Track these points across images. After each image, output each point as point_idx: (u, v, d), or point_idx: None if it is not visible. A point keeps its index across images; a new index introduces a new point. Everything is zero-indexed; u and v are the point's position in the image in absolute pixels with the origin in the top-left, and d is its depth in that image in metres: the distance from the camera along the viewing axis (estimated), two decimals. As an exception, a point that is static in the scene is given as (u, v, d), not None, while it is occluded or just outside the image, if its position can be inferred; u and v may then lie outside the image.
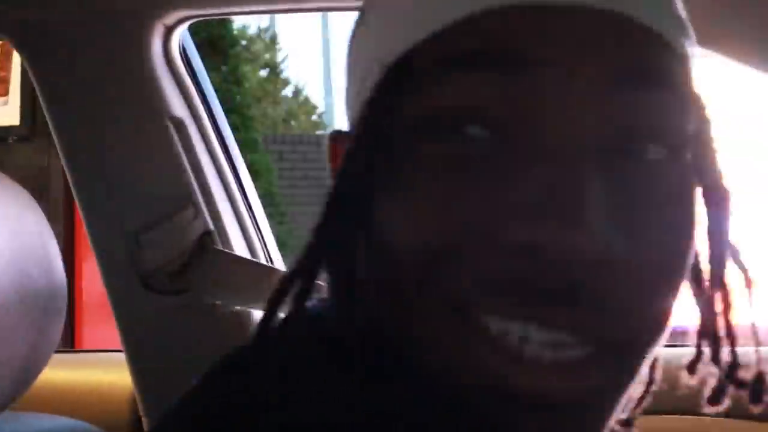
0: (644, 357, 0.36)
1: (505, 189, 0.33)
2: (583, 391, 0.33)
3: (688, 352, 0.42)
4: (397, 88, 0.36)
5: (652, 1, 0.35)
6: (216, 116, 0.96)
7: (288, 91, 9.96)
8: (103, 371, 1.14)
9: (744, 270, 0.39)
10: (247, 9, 0.91)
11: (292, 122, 9.67)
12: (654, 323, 0.35)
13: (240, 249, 0.95)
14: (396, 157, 0.36)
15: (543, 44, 0.33)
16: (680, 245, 0.35)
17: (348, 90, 0.42)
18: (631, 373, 0.35)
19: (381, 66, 0.37)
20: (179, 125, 0.90)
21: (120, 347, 0.94)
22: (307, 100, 10.11)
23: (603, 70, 0.33)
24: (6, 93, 2.03)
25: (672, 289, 0.35)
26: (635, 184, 0.34)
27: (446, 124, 0.34)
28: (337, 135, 0.44)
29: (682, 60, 0.36)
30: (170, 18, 0.86)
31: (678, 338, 0.40)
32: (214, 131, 0.95)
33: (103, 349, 1.66)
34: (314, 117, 10.08)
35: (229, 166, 0.97)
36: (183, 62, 0.92)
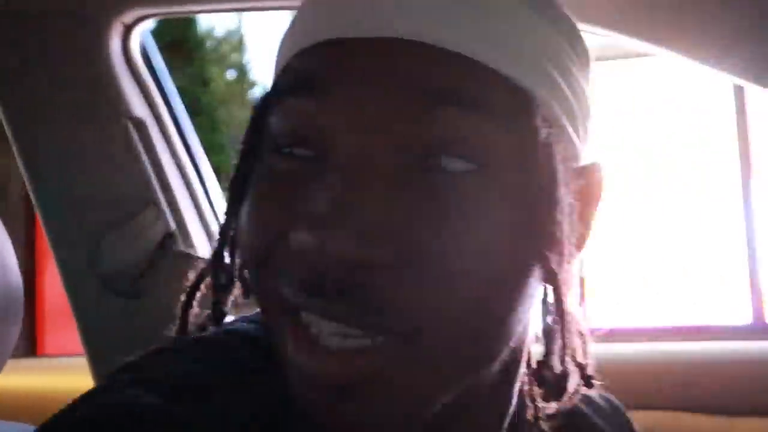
0: (450, 349, 0.39)
1: (305, 201, 0.38)
2: (367, 373, 0.37)
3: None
4: (267, 105, 0.42)
5: (450, 22, 0.39)
6: (178, 116, 0.95)
7: (256, 93, 9.89)
8: (66, 375, 1.12)
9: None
10: (205, 7, 0.90)
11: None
12: (449, 321, 0.38)
13: (203, 250, 0.93)
14: (255, 167, 0.42)
15: (340, 73, 0.39)
16: (473, 251, 0.38)
17: None
18: (431, 362, 0.39)
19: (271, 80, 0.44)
20: (140, 125, 0.88)
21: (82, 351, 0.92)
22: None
23: (394, 93, 0.38)
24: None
25: (466, 293, 0.38)
26: (432, 195, 0.38)
27: (283, 143, 0.40)
28: None
29: (491, 76, 0.39)
30: (129, 16, 0.85)
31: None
32: (176, 131, 0.94)
33: (65, 354, 1.63)
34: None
35: (192, 167, 0.96)
36: (143, 61, 0.90)
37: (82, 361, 1.09)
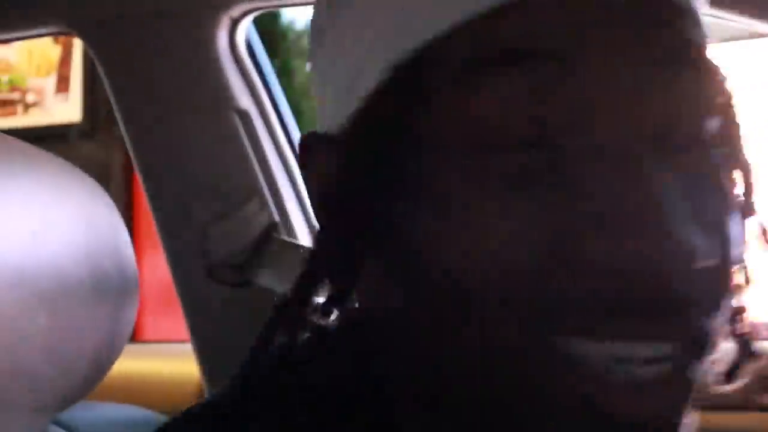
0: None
1: (572, 200, 0.30)
2: (672, 406, 0.31)
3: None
4: (407, 93, 0.32)
5: None
6: (281, 108, 0.96)
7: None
8: (170, 362, 1.15)
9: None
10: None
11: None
12: (725, 321, 0.34)
13: (306, 241, 0.94)
14: (427, 172, 0.32)
15: (580, 36, 0.31)
16: (740, 233, 0.33)
17: (322, 90, 0.38)
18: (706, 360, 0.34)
19: (381, 66, 0.33)
20: (245, 117, 0.90)
21: (186, 338, 0.94)
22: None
23: (644, 54, 0.31)
24: (67, 89, 2.07)
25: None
26: (693, 172, 0.32)
27: (501, 137, 0.31)
28: (312, 138, 0.39)
29: (702, 31, 0.35)
30: (236, 10, 0.87)
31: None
32: (279, 123, 0.95)
33: (164, 340, 1.69)
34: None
35: (294, 158, 0.97)
36: (248, 54, 0.92)
37: (181, 348, 1.12)
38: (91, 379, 0.67)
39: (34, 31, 0.95)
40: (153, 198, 0.90)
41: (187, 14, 0.87)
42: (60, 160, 0.66)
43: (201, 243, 0.88)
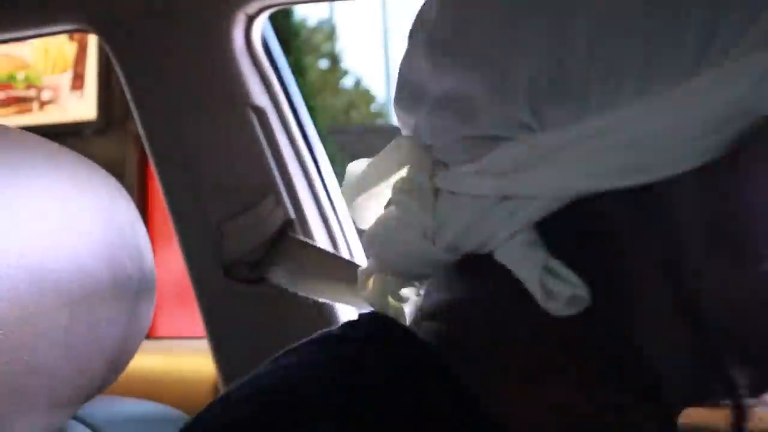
0: None
1: None
2: None
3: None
4: None
5: None
6: (296, 105, 0.96)
7: (348, 82, 10.00)
8: (185, 358, 1.16)
9: None
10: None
11: (353, 112, 9.71)
12: None
13: (321, 239, 0.94)
14: None
15: None
16: None
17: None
18: None
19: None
20: (260, 114, 0.90)
21: (199, 334, 0.95)
22: (366, 90, 10.13)
23: None
24: (82, 87, 2.07)
25: None
26: None
27: None
28: None
29: None
30: (252, 7, 0.87)
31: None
32: (294, 120, 0.95)
33: (177, 336, 1.69)
34: (373, 107, 10.10)
35: (310, 155, 0.97)
36: (264, 51, 0.92)
37: (194, 344, 1.12)
38: (109, 374, 0.67)
39: (52, 29, 0.95)
40: (169, 195, 0.90)
41: (203, 12, 0.87)
42: (79, 157, 0.66)
43: (216, 240, 0.88)
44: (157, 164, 0.90)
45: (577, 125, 0.35)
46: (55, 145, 0.65)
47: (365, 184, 0.43)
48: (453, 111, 0.38)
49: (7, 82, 2.13)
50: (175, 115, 0.90)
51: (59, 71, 2.08)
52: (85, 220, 0.62)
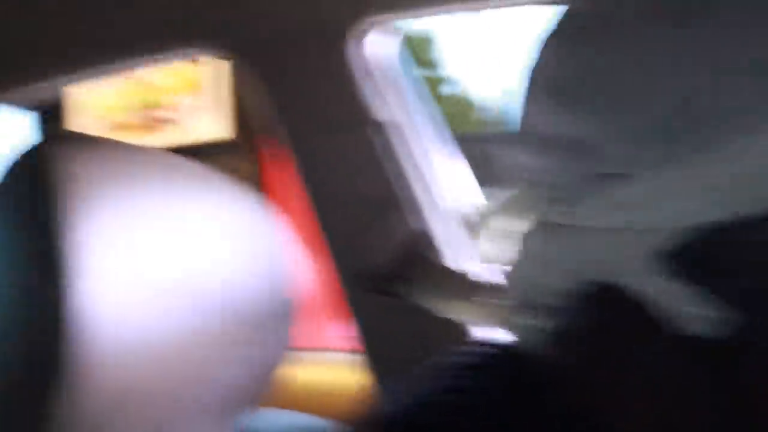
0: None
1: None
2: None
3: None
4: None
5: None
6: (427, 118, 0.95)
7: (447, 89, 9.96)
8: (336, 369, 1.17)
9: None
10: (439, 9, 0.89)
11: (453, 120, 9.64)
12: None
13: (451, 254, 0.92)
14: None
15: None
16: None
17: None
18: None
19: None
20: (396, 128, 0.89)
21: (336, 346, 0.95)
22: (467, 98, 10.04)
23: None
24: (212, 107, 2.15)
25: None
26: None
27: None
28: None
29: None
30: (384, 22, 0.86)
31: None
32: (426, 134, 0.94)
33: (313, 348, 1.72)
34: (475, 114, 9.98)
35: (435, 169, 0.96)
36: (393, 66, 0.92)
37: (339, 356, 1.12)
38: (265, 386, 0.69)
39: (188, 55, 0.99)
40: (318, 210, 0.92)
41: (338, 29, 0.87)
42: (226, 177, 0.68)
43: (359, 253, 0.88)
44: (304, 179, 0.91)
45: (704, 156, 0.35)
46: (204, 167, 0.67)
47: (491, 221, 0.45)
48: (578, 151, 0.39)
49: (142, 106, 2.24)
50: (314, 132, 0.91)
51: (191, 93, 2.16)
52: (237, 238, 0.64)
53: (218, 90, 2.15)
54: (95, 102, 2.52)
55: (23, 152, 0.55)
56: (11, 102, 1.37)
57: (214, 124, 2.16)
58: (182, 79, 2.17)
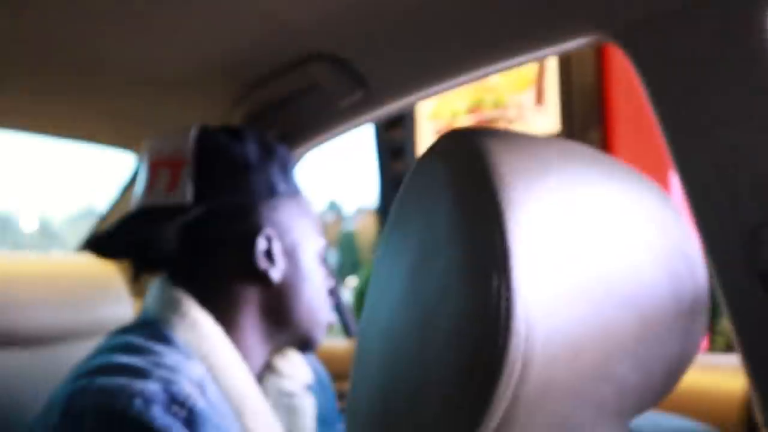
0: None
1: None
2: None
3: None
4: None
5: None
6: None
7: None
8: (713, 372, 1.11)
9: None
10: None
11: None
12: None
13: None
14: None
15: None
16: None
17: None
18: None
19: None
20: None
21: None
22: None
23: None
24: (543, 102, 2.16)
25: None
26: None
27: None
28: None
29: None
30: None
31: None
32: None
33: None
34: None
35: None
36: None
37: (721, 359, 1.06)
38: (665, 387, 0.66)
39: (566, 44, 0.99)
40: (696, 201, 0.87)
41: (724, 6, 0.81)
42: (625, 167, 0.66)
43: (750, 248, 0.82)
44: (682, 169, 0.86)
45: None
46: (608, 158, 0.66)
47: None
48: None
49: (477, 106, 2.32)
50: (698, 118, 0.85)
51: (522, 90, 2.20)
52: (642, 231, 0.62)
53: (547, 85, 2.16)
54: (439, 107, 2.68)
55: (447, 150, 0.58)
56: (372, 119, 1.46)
57: (544, 119, 2.17)
58: (516, 78, 2.21)
